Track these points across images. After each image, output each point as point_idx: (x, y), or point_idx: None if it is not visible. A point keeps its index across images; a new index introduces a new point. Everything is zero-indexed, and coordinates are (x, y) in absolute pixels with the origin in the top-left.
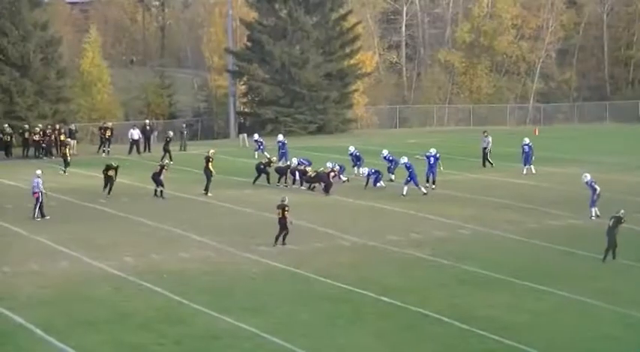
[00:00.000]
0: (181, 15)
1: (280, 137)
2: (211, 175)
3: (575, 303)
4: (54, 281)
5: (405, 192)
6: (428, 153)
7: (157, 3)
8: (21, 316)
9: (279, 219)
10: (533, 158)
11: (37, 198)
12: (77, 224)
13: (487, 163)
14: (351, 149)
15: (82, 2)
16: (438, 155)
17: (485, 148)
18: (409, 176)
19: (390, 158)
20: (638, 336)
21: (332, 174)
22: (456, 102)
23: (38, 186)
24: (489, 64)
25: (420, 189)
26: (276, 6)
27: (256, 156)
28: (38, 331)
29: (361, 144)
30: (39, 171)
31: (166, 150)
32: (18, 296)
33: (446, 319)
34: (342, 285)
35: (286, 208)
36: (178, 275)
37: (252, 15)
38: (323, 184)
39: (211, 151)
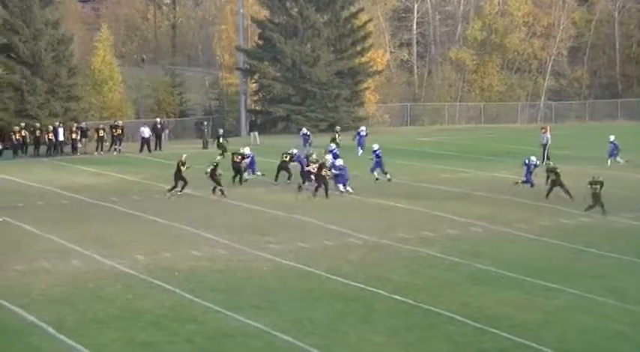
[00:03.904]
0: (192, 13)
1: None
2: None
3: (586, 301)
4: (65, 280)
5: (377, 176)
6: (527, 161)
7: (168, 1)
8: (32, 314)
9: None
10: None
11: None
12: (89, 222)
13: (545, 159)
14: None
15: (93, 0)
16: (537, 162)
17: (545, 144)
18: (375, 163)
19: (380, 153)
20: None
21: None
22: (467, 100)
23: None
24: (500, 62)
25: (374, 175)
26: (287, 4)
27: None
28: (50, 329)
29: (373, 142)
30: None
31: (220, 146)
32: (30, 295)
33: (458, 317)
34: (353, 283)
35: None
36: (189, 273)
37: (264, 13)
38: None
39: (184, 156)
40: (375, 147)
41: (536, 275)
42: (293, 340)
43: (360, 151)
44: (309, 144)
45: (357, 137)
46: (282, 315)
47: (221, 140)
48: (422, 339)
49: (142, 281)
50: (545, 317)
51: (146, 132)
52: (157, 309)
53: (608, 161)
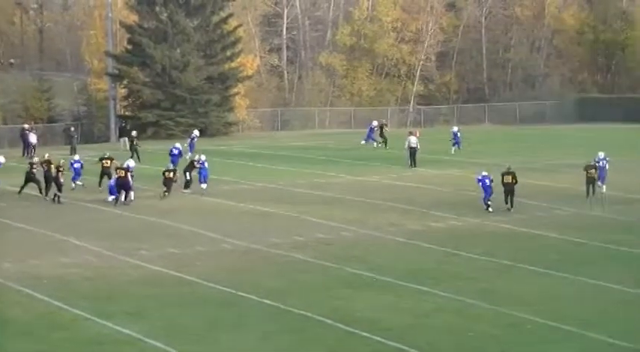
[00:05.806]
0: (60, 18)
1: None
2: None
3: (456, 303)
4: None
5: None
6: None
7: (35, 5)
8: None
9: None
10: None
11: None
12: None
13: (413, 163)
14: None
15: None
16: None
17: (413, 148)
18: (202, 173)
19: (206, 165)
20: (517, 335)
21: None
22: (338, 104)
23: None
24: (370, 67)
25: (201, 186)
26: (157, 9)
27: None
28: None
29: (245, 147)
30: None
31: (134, 149)
32: None
33: (329, 321)
34: (225, 289)
35: None
36: (59, 280)
37: (133, 18)
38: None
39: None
40: (203, 158)
41: (406, 279)
42: (165, 346)
43: (373, 143)
44: (192, 148)
45: (369, 131)
46: (154, 322)
47: (134, 142)
48: (294, 343)
49: (10, 290)
50: (415, 320)
51: (33, 137)
52: (26, 317)
53: (452, 149)
